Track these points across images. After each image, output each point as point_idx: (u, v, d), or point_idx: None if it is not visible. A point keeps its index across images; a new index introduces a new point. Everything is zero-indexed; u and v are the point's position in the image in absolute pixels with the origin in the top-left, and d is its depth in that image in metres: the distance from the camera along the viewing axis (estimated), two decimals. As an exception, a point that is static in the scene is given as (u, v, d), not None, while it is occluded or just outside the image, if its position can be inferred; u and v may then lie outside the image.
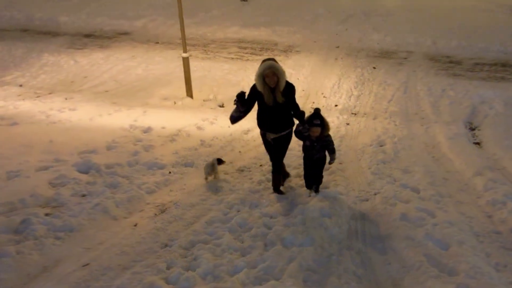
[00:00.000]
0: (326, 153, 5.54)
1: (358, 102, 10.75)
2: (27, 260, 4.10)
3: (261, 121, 5.46)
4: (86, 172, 6.00)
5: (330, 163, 5.62)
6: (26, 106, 9.61)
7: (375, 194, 5.67)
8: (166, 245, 4.46)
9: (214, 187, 5.88)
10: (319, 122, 5.32)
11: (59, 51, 13.80)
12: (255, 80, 5.13)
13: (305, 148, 5.56)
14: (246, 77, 11.92)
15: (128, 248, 4.41)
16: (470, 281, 3.81)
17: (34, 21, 16.40)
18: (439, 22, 15.94)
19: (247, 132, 8.44)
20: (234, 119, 5.46)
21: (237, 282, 3.84)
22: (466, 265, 4.02)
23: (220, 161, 6.22)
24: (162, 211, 5.19)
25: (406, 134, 8.48)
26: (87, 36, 15.23)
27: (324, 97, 11.13)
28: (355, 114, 10.09)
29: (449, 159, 7.16)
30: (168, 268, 4.08)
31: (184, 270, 4.00)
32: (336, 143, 7.95)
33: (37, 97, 10.67)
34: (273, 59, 5.16)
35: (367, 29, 15.68)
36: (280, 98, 5.14)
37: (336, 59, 13.35)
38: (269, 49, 14.13)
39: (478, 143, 8.14)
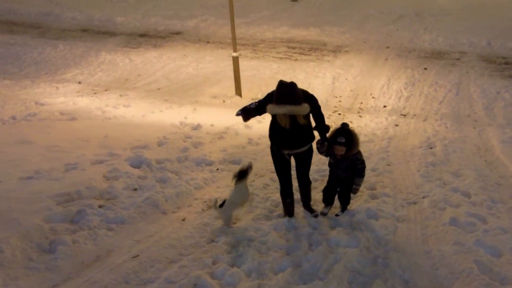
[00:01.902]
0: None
1: (407, 103, 10.51)
2: (81, 249, 4.32)
3: (275, 137, 4.68)
4: (138, 167, 6.23)
5: (353, 191, 4.88)
6: (84, 102, 10.13)
7: (424, 197, 5.51)
8: (212, 241, 4.55)
9: (260, 186, 5.94)
10: (343, 140, 4.59)
11: (116, 50, 14.39)
12: (267, 110, 4.45)
13: (330, 165, 4.98)
14: (294, 77, 11.91)
15: (176, 241, 4.54)
16: (524, 291, 3.66)
17: (94, 22, 17.16)
18: (495, 21, 15.23)
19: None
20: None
21: (281, 280, 3.86)
22: (520, 274, 3.86)
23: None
24: (210, 207, 5.31)
25: (457, 137, 8.20)
26: (142, 35, 15.76)
27: (372, 97, 10.96)
28: (405, 115, 9.87)
29: (502, 163, 6.84)
30: (213, 263, 4.16)
31: (229, 266, 4.07)
32: (384, 144, 7.87)
33: (94, 93, 11.20)
34: (292, 87, 4.31)
35: (419, 29, 15.25)
36: (302, 121, 4.44)
37: (386, 59, 13.09)
38: (318, 49, 14.05)
39: (535, 148, 7.74)
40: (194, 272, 3.97)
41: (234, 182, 4.83)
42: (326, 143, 4.67)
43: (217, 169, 6.45)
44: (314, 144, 4.76)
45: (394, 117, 9.69)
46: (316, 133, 4.73)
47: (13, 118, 8.39)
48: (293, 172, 4.93)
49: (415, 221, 4.99)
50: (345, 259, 4.10)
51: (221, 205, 4.78)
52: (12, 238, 4.20)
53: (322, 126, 4.67)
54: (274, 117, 4.55)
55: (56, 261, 4.09)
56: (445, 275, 3.97)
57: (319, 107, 4.63)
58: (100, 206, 5.09)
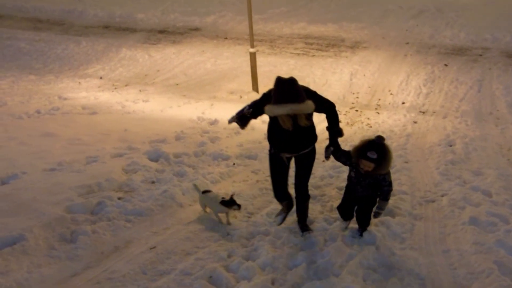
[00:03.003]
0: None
1: (427, 100, 10.39)
2: (101, 239, 4.42)
3: (274, 140, 4.25)
4: (156, 160, 6.33)
5: (375, 215, 4.33)
6: (105, 97, 10.33)
7: (442, 196, 5.43)
8: (228, 234, 4.59)
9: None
10: (375, 156, 3.90)
11: (136, 46, 14.58)
12: (266, 111, 3.97)
13: (349, 179, 4.36)
14: (311, 73, 11.92)
15: (192, 234, 4.59)
16: (546, 293, 3.58)
17: (115, 19, 17.40)
18: (521, 16, 14.88)
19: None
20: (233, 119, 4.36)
21: (295, 275, 3.87)
22: (543, 276, 3.77)
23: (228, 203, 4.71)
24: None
25: (478, 135, 8.07)
26: (161, 32, 15.91)
27: (391, 94, 10.87)
28: (424, 112, 9.75)
29: (526, 163, 6.72)
30: (229, 256, 4.20)
31: (244, 260, 4.09)
32: (402, 141, 7.79)
33: (115, 88, 11.40)
34: (292, 83, 3.82)
35: (440, 24, 15.00)
36: (304, 122, 3.98)
37: (405, 55, 12.93)
38: (335, 45, 13.97)
39: (560, 147, 7.57)
40: (209, 264, 4.01)
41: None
42: (331, 148, 4.17)
43: (234, 164, 6.49)
44: (320, 150, 4.38)
45: (412, 114, 9.59)
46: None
47: (38, 112, 8.63)
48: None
49: (433, 219, 4.93)
50: (360, 255, 4.09)
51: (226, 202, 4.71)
52: (36, 227, 4.33)
53: (333, 128, 4.18)
54: (273, 118, 4.10)
55: (76, 250, 4.19)
56: (464, 275, 3.89)
57: (332, 105, 4.14)
58: (119, 198, 5.18)
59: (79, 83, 11.83)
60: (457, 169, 6.32)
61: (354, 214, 4.52)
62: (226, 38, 15.05)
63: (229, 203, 4.67)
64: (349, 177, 4.33)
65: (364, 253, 4.13)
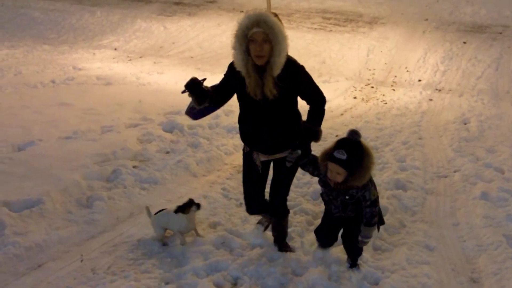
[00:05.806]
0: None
1: (443, 78, 10.26)
2: (116, 205, 4.53)
3: (244, 131, 3.32)
4: (170, 131, 6.40)
5: (359, 243, 3.25)
6: (120, 68, 10.37)
7: (455, 172, 5.46)
8: (241, 204, 4.65)
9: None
10: (344, 157, 2.85)
11: (151, 17, 14.49)
12: (232, 46, 2.98)
13: (322, 195, 3.42)
14: (328, 48, 11.80)
15: (206, 203, 4.64)
16: (554, 266, 3.61)
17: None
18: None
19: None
20: (194, 115, 3.40)
21: (306, 244, 3.94)
22: (551, 250, 3.80)
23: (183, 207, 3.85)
24: (239, 172, 5.41)
25: (494, 113, 8.01)
26: (177, 3, 15.76)
27: (407, 71, 10.74)
28: (440, 90, 9.65)
29: (541, 142, 6.65)
30: (242, 223, 4.28)
31: (257, 228, 4.13)
32: (417, 118, 7.75)
33: (129, 60, 11.42)
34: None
35: (460, 1, 14.64)
36: (270, 89, 2.92)
37: (423, 32, 12.69)
38: (353, 20, 13.75)
39: None
40: (222, 231, 4.10)
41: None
42: (299, 150, 3.18)
43: (248, 137, 6.53)
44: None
45: (428, 92, 9.50)
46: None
47: (53, 81, 8.73)
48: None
49: (444, 194, 4.97)
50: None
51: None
52: (53, 192, 4.44)
53: (310, 126, 3.17)
54: (240, 98, 3.25)
55: (93, 215, 4.31)
56: (472, 247, 3.96)
57: (323, 98, 3.18)
58: (134, 167, 5.28)
59: (94, 54, 11.88)
60: (470, 146, 6.31)
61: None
62: (242, 11, 14.84)
63: (184, 206, 3.85)
64: (321, 193, 3.41)
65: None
